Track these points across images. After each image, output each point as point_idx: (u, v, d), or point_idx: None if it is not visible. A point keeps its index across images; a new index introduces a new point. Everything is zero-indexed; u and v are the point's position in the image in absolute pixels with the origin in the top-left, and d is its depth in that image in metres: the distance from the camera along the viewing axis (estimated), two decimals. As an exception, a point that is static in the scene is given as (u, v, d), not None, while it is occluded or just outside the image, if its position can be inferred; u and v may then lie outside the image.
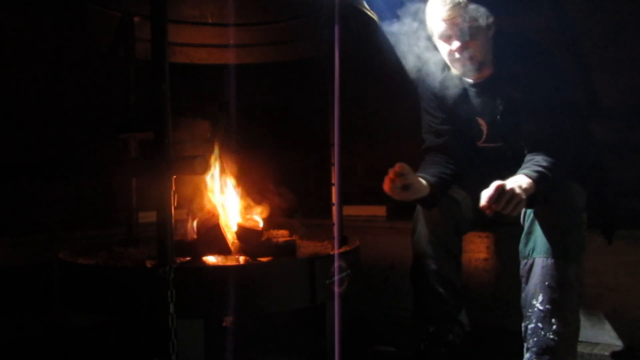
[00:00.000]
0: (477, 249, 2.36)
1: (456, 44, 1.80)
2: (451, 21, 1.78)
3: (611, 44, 2.45)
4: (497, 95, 1.87)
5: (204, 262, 1.67)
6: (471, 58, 1.80)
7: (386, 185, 1.75)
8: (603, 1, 2.47)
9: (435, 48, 1.90)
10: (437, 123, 2.02)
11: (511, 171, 1.72)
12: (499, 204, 1.61)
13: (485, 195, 1.62)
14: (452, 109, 1.98)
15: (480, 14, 1.79)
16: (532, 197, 1.69)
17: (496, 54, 1.86)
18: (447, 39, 1.82)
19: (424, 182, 1.85)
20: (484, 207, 1.63)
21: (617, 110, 2.45)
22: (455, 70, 1.89)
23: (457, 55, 1.81)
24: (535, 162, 1.73)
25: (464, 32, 1.78)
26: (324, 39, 1.82)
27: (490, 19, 1.82)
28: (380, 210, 2.87)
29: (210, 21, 2.14)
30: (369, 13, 1.85)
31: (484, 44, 1.82)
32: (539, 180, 1.68)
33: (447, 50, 1.84)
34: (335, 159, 1.84)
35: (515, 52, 1.83)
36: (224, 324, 1.88)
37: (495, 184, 1.62)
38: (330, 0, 1.74)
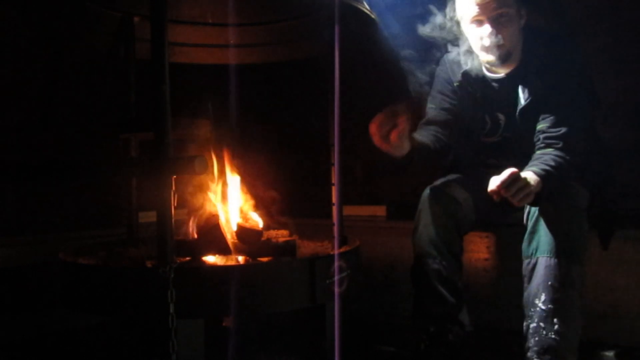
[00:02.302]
0: (477, 249, 2.36)
1: (488, 28, 1.79)
2: (485, 6, 1.78)
3: (611, 44, 2.45)
4: (520, 89, 1.87)
5: (204, 262, 1.67)
6: (501, 46, 1.80)
7: (374, 127, 1.77)
8: (603, 1, 2.47)
9: (461, 36, 1.90)
10: (448, 102, 2.03)
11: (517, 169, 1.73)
12: (509, 191, 1.61)
13: (497, 180, 1.63)
14: (467, 100, 1.98)
15: (515, 1, 1.79)
16: (538, 195, 1.70)
17: (525, 48, 1.86)
18: (479, 23, 1.82)
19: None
20: (493, 191, 1.64)
21: (617, 111, 2.45)
22: (484, 59, 1.88)
23: (487, 41, 1.81)
24: (543, 160, 1.74)
25: (497, 18, 1.78)
26: (324, 39, 1.82)
27: (524, 8, 1.82)
28: (380, 210, 2.88)
29: (210, 21, 2.13)
30: (369, 13, 1.85)
31: (515, 33, 1.82)
32: (546, 178, 1.69)
33: (477, 35, 1.84)
34: (335, 159, 1.84)
35: (545, 48, 1.83)
36: (224, 324, 1.87)
37: (509, 170, 1.63)
38: (330, 0, 1.74)
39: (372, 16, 1.87)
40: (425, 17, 1.91)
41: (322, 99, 1.87)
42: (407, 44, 1.93)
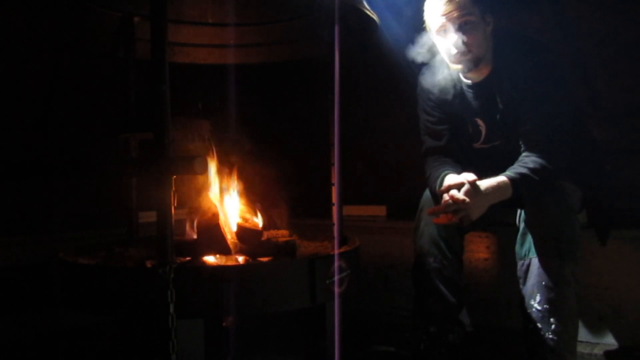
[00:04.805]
0: (477, 249, 2.36)
1: (453, 37, 1.80)
2: (449, 15, 1.79)
3: (611, 44, 2.45)
4: (496, 94, 1.87)
5: (204, 262, 1.67)
6: (469, 53, 1.81)
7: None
8: (603, 1, 2.47)
9: (435, 46, 1.91)
10: (434, 122, 2.02)
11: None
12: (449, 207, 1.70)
13: (452, 181, 1.72)
14: (451, 109, 1.98)
15: (478, 8, 1.80)
16: (517, 198, 1.71)
17: (496, 53, 1.86)
18: (445, 33, 1.83)
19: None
20: (442, 191, 1.75)
21: (616, 111, 2.45)
22: (453, 67, 1.89)
23: (454, 49, 1.81)
24: (522, 163, 1.75)
25: (462, 26, 1.79)
26: (324, 39, 1.82)
27: (488, 15, 1.83)
28: (380, 210, 2.88)
29: (210, 21, 2.14)
30: (369, 13, 1.85)
31: (482, 39, 1.82)
32: (519, 182, 1.70)
33: (445, 45, 1.84)
34: (335, 159, 1.84)
35: (515, 50, 1.83)
36: (224, 324, 1.87)
37: (465, 176, 1.69)
38: (330, 0, 1.74)
39: (373, 16, 1.87)
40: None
41: (322, 99, 1.87)
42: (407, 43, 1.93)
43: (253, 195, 2.01)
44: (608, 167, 2.03)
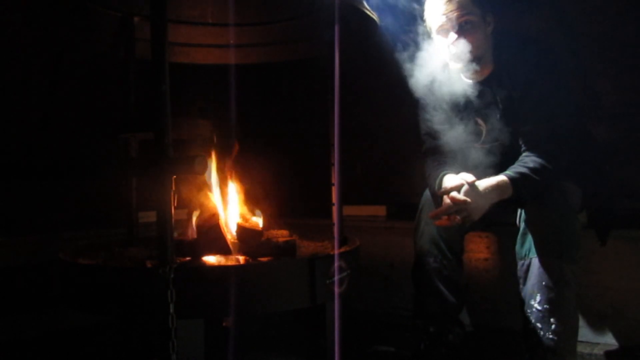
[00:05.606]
0: (477, 249, 2.37)
1: (453, 36, 1.81)
2: (449, 15, 1.80)
3: (611, 44, 2.45)
4: (496, 94, 1.88)
5: (204, 262, 1.67)
6: (469, 52, 1.81)
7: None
8: (602, 1, 2.47)
9: (435, 46, 1.91)
10: (435, 123, 2.02)
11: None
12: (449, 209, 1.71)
13: (451, 183, 1.73)
14: (451, 109, 1.98)
15: (479, 8, 1.81)
16: (517, 197, 1.71)
17: (496, 53, 1.87)
18: (445, 33, 1.83)
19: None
20: (441, 193, 1.76)
21: (616, 111, 2.45)
22: (454, 66, 1.89)
23: (454, 49, 1.82)
24: (522, 162, 1.76)
25: (462, 25, 1.79)
26: (324, 39, 1.82)
27: (489, 15, 1.83)
28: (380, 210, 2.88)
29: (210, 21, 2.14)
30: (369, 13, 1.85)
31: (482, 39, 1.83)
32: (519, 181, 1.70)
33: (445, 44, 1.85)
34: (335, 159, 1.84)
35: (515, 51, 1.84)
36: (224, 324, 1.87)
37: (464, 177, 1.70)
38: (330, 0, 1.74)
39: (373, 16, 1.87)
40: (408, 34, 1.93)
41: (322, 99, 1.87)
42: (408, 44, 1.93)
43: (253, 196, 2.01)
44: (608, 167, 2.03)
